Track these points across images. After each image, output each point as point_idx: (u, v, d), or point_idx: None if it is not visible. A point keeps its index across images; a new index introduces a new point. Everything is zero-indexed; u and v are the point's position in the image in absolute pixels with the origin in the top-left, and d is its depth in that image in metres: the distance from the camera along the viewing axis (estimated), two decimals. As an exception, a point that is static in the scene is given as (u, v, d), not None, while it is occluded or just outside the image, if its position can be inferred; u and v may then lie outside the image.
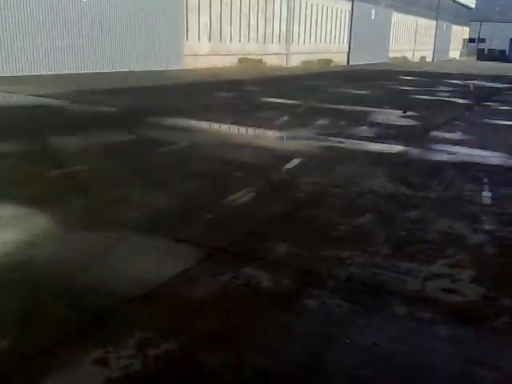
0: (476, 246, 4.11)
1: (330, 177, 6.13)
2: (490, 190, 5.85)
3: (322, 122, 10.30)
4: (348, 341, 2.63)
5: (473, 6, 66.58)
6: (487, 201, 5.45)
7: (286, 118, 10.55)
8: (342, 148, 7.86)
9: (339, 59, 33.12)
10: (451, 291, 3.20)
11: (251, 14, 25.12)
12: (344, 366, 2.45)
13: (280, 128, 9.35)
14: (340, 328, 2.76)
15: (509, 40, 75.74)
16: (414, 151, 7.88)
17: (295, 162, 6.73)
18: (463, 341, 2.72)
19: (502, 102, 15.58)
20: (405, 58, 44.84)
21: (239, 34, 24.67)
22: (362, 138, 8.70)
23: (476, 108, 13.98)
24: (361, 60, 34.60)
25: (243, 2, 24.52)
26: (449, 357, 2.55)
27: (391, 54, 41.45)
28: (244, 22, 24.83)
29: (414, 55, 47.22)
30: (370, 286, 3.26)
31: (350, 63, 34.28)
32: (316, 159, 7.01)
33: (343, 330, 2.73)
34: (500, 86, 23.11)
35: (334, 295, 3.11)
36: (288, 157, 6.95)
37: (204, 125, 9.46)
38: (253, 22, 25.34)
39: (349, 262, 3.56)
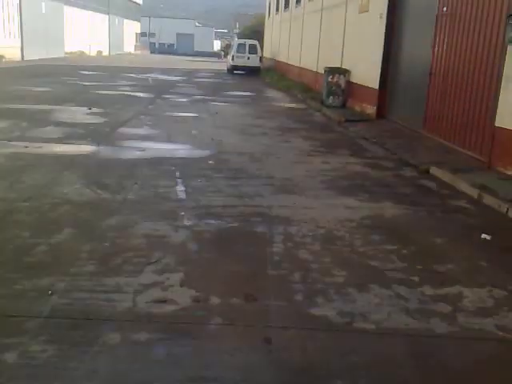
0: (180, 245, 4.22)
1: (17, 189, 5.46)
2: (182, 184, 6.13)
3: (0, 124, 9.18)
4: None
5: (141, 2, 69.47)
6: (182, 195, 5.69)
7: (-49, 124, 9.04)
8: (27, 153, 7.13)
9: (12, 55, 30.26)
10: (163, 301, 3.17)
11: None
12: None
13: None
14: (46, 381, 2.41)
15: (175, 34, 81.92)
16: (106, 150, 7.71)
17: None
18: (182, 356, 2.70)
19: (179, 94, 16.69)
20: (82, 52, 43.92)
21: None
22: (48, 140, 8.09)
23: (158, 101, 14.59)
24: (36, 55, 32.36)
25: None
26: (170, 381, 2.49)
27: (68, 49, 40.04)
28: None
29: (90, 49, 46.65)
30: (77, 316, 2.97)
31: (25, 58, 31.72)
32: (-3, 171, 6.18)
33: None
34: (174, 78, 24.73)
35: (36, 339, 2.71)
36: (-40, 172, 5.93)
37: None
38: None
39: (50, 292, 3.17)
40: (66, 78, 19.83)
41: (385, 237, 4.74)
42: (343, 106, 14.61)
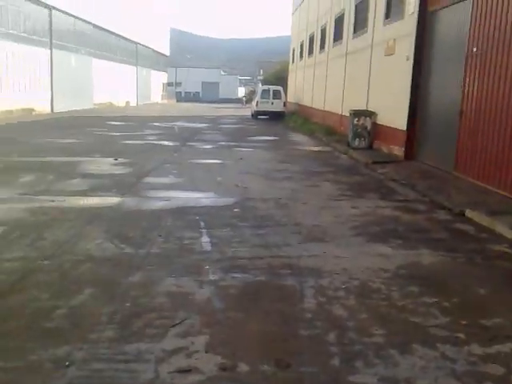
0: (205, 302, 3.99)
1: (38, 246, 5.34)
2: (207, 235, 5.94)
3: (26, 178, 9.23)
4: None
5: (168, 53, 71.71)
6: (207, 247, 5.49)
7: (-20, 179, 9.13)
8: (52, 208, 7.07)
9: (42, 107, 31.25)
10: (187, 370, 2.92)
11: None
12: None
13: (-27, 193, 7.97)
14: None
15: (201, 83, 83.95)
16: (130, 201, 7.62)
17: (-6, 233, 5.71)
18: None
19: (203, 142, 16.76)
20: (110, 103, 45.17)
21: None
22: (74, 193, 8.04)
23: (183, 149, 14.66)
24: (65, 107, 33.36)
25: None
26: None
27: (96, 100, 41.24)
28: None
29: (118, 100, 47.97)
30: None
31: (55, 111, 32.70)
32: (21, 226, 6.09)
33: None
34: (199, 125, 25.04)
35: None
36: (-16, 229, 5.87)
37: None
38: None
39: (67, 363, 2.96)
40: (93, 129, 20.23)
41: (424, 288, 4.42)
42: (370, 147, 14.42)
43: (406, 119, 12.30)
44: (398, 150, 12.65)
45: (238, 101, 66.28)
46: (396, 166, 11.23)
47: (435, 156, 10.92)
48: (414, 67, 12.11)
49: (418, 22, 11.98)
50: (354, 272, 4.76)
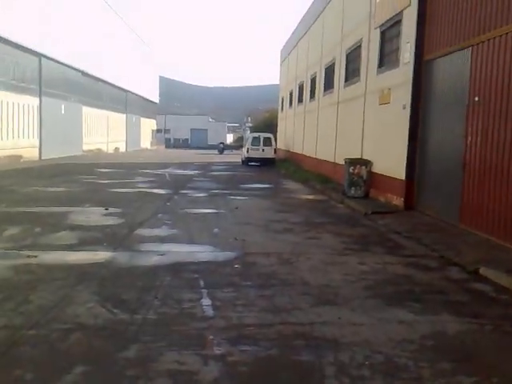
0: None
1: (23, 312, 4.80)
2: (208, 296, 5.45)
3: (12, 231, 8.70)
4: None
5: (157, 101, 72.31)
6: (209, 311, 4.99)
7: (-38, 231, 8.57)
8: (38, 265, 6.54)
9: (30, 154, 30.82)
10: None
11: None
12: None
13: (-47, 247, 7.41)
14: None
15: (189, 130, 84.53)
16: (123, 256, 7.11)
17: (-27, 296, 5.16)
18: None
19: (196, 189, 16.33)
20: (99, 149, 44.91)
21: None
22: (62, 248, 7.53)
23: (175, 197, 14.23)
24: (54, 154, 32.95)
25: None
26: None
27: (85, 147, 40.96)
28: None
29: (108, 147, 47.76)
30: None
31: (43, 158, 32.27)
32: (5, 287, 5.55)
33: None
34: (190, 172, 24.69)
35: None
36: (-38, 291, 5.32)
37: None
38: None
39: None
40: (82, 177, 19.78)
41: (456, 364, 3.94)
42: (366, 196, 14.12)
43: (404, 168, 12.06)
44: (397, 200, 12.34)
45: (228, 147, 66.61)
46: (397, 217, 10.87)
47: (438, 207, 10.60)
48: (411, 116, 11.97)
49: (415, 71, 11.92)
50: (375, 344, 4.28)
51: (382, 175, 13.54)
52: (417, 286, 6.11)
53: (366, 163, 14.44)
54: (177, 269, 6.53)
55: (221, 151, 54.23)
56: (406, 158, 11.96)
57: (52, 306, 4.96)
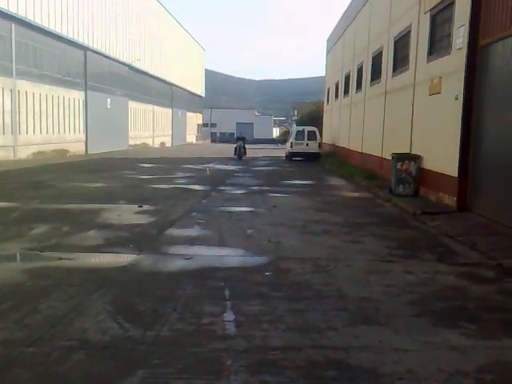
0: None
1: (28, 324, 4.38)
2: (232, 310, 4.89)
3: (40, 229, 8.45)
4: None
5: (203, 95, 72.50)
6: (231, 329, 4.43)
7: (-10, 229, 8.37)
8: (57, 268, 6.17)
9: (76, 149, 31.27)
10: None
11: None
12: None
13: (-24, 247, 7.16)
14: None
15: (235, 124, 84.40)
16: (147, 260, 6.66)
17: (-19, 304, 4.80)
18: None
19: (235, 186, 15.82)
20: (145, 144, 45.30)
21: None
22: (86, 249, 7.16)
23: (213, 194, 13.78)
24: (100, 148, 33.35)
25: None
26: None
27: (131, 141, 41.35)
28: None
29: (153, 141, 48.12)
30: None
31: (89, 152, 32.71)
32: (16, 294, 5.17)
33: None
34: (232, 167, 24.26)
35: None
36: (-30, 298, 4.98)
37: None
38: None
39: None
40: (123, 172, 19.68)
41: (523, 409, 3.22)
42: (415, 194, 13.20)
43: (457, 165, 11.10)
44: (449, 199, 11.41)
45: (272, 141, 65.96)
46: (449, 219, 9.98)
47: (496, 208, 9.63)
48: (464, 107, 10.98)
49: (468, 58, 10.92)
50: (422, 376, 3.60)
51: (433, 172, 12.60)
52: (471, 301, 5.34)
53: (415, 159, 13.52)
54: (202, 275, 6.00)
55: (239, 152, 30.60)
56: (458, 154, 11.00)
57: (60, 318, 4.53)
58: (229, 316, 4.74)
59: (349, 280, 5.98)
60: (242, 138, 31.34)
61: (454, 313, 4.96)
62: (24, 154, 25.91)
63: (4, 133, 24.50)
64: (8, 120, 24.69)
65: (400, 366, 3.76)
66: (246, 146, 31.55)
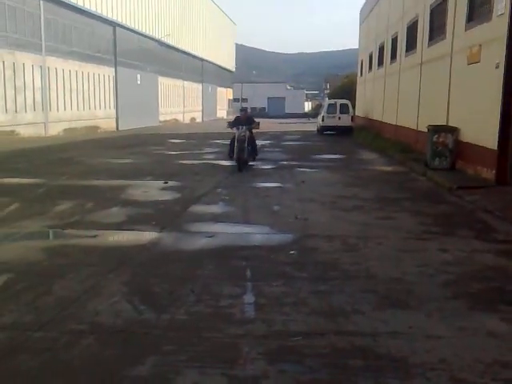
0: None
1: (39, 306, 4.22)
2: (252, 291, 4.63)
3: (63, 206, 8.34)
4: None
5: (234, 69, 71.78)
6: (250, 312, 4.17)
7: (15, 205, 8.32)
8: (75, 247, 6.02)
9: (107, 125, 31.40)
10: None
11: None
12: None
13: (-3, 224, 7.09)
14: None
15: (267, 98, 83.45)
16: (168, 238, 6.45)
17: (-5, 284, 4.67)
18: None
19: (263, 161, 15.36)
20: (176, 120, 45.23)
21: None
22: (107, 226, 7.00)
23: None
24: (130, 125, 33.41)
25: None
26: None
27: (162, 117, 41.32)
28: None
29: (184, 117, 48.01)
30: None
31: (120, 128, 32.82)
32: (31, 274, 5.03)
33: None
34: (261, 142, 23.64)
35: None
36: (-15, 277, 4.86)
37: None
38: (-2, 90, 22.22)
39: None
40: (152, 148, 19.58)
41: None
42: (452, 168, 12.61)
43: (496, 136, 10.47)
44: (488, 173, 10.81)
45: (304, 115, 64.99)
46: (487, 193, 9.44)
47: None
48: (505, 77, 10.29)
49: (510, 24, 10.18)
50: (456, 367, 3.26)
51: (471, 144, 11.97)
52: (511, 282, 4.93)
53: (453, 131, 12.87)
54: (223, 254, 5.75)
55: (238, 152, 13.08)
56: (498, 126, 10.35)
57: (73, 300, 4.35)
58: (249, 298, 4.49)
59: (379, 259, 5.63)
60: (246, 119, 14.12)
61: (493, 295, 4.57)
62: (55, 130, 26.13)
63: (35, 110, 24.71)
64: (38, 97, 24.86)
65: (432, 355, 3.42)
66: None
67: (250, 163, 13.99)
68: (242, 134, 13.28)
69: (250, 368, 3.27)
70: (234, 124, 14.03)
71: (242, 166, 12.86)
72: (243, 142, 13.16)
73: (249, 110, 18.17)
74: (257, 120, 14.48)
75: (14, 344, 3.55)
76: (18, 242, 6.26)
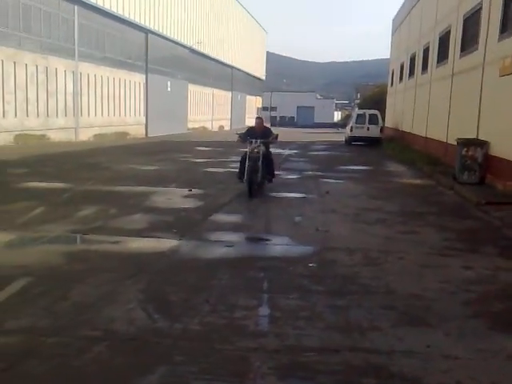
0: None
1: (55, 311, 4.25)
2: (268, 304, 4.58)
3: (87, 211, 8.44)
4: None
5: (263, 78, 72.02)
6: (263, 325, 4.13)
7: (40, 209, 8.46)
8: (95, 252, 6.08)
9: (136, 131, 31.82)
10: None
11: (29, 87, 22.53)
12: None
13: (21, 226, 7.20)
14: None
15: (296, 107, 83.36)
16: (187, 246, 6.45)
17: (15, 287, 4.73)
18: None
19: (288, 171, 15.31)
20: (204, 127, 45.56)
21: (15, 108, 21.82)
22: (129, 233, 7.04)
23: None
24: (159, 131, 33.79)
25: (19, 74, 21.90)
26: None
27: (190, 125, 41.68)
28: (21, 96, 22.10)
29: (212, 125, 48.33)
30: None
31: (149, 135, 33.22)
32: (50, 278, 5.09)
33: None
34: (288, 152, 23.68)
35: None
36: (6, 277, 4.93)
37: None
38: (31, 95, 22.71)
39: None
40: (179, 155, 19.73)
41: None
42: (481, 183, 12.33)
43: (528, 151, 10.21)
44: (518, 188, 10.53)
45: (334, 125, 64.68)
46: (516, 209, 9.18)
47: None
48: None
49: (545, 36, 9.95)
50: (474, 392, 3.15)
51: (501, 159, 11.69)
52: (537, 304, 4.77)
53: (482, 144, 12.60)
54: (241, 265, 5.72)
55: (251, 175, 10.43)
56: (530, 139, 10.10)
57: (89, 305, 4.38)
58: (264, 310, 4.45)
59: (400, 274, 5.51)
60: (262, 131, 11.59)
61: (517, 317, 4.42)
62: (85, 135, 26.60)
63: (66, 115, 25.21)
64: (70, 102, 25.37)
65: (448, 377, 3.32)
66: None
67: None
68: (256, 150, 10.61)
69: (260, 383, 3.22)
70: (245, 136, 11.20)
71: (253, 190, 10.24)
72: (256, 161, 10.46)
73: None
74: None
75: (27, 349, 3.58)
76: (40, 246, 6.35)
